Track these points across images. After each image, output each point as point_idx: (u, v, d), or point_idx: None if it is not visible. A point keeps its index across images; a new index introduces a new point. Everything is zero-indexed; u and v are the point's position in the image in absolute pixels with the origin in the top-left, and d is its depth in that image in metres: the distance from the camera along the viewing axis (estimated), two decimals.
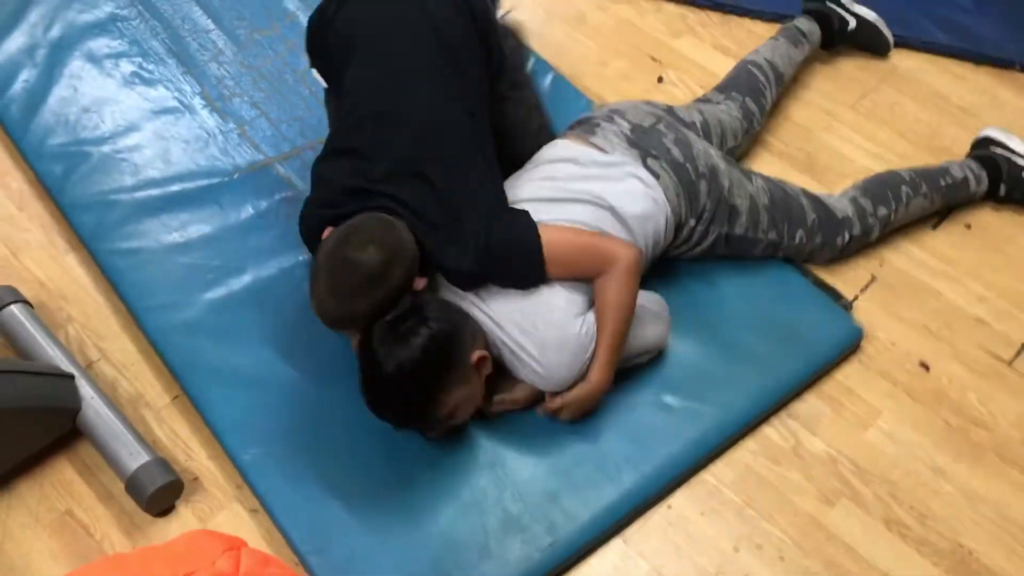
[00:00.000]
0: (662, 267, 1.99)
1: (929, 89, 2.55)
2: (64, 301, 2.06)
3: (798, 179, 2.30)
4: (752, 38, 2.64)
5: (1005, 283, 2.15)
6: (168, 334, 1.95)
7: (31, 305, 1.99)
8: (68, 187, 2.18)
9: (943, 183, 2.20)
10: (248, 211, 2.14)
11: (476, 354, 1.69)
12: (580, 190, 1.83)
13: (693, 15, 2.72)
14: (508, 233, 1.70)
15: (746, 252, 2.04)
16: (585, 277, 1.76)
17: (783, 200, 2.04)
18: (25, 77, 2.39)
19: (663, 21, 2.70)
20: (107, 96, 2.36)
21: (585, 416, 1.82)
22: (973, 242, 2.23)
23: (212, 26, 2.53)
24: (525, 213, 1.74)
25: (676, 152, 1.93)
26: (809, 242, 2.06)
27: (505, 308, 1.74)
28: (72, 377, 1.84)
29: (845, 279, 2.13)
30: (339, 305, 1.64)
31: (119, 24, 2.53)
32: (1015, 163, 2.25)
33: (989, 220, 2.27)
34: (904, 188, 2.14)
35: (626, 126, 1.96)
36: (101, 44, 2.48)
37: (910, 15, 2.70)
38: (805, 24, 2.49)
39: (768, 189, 2.03)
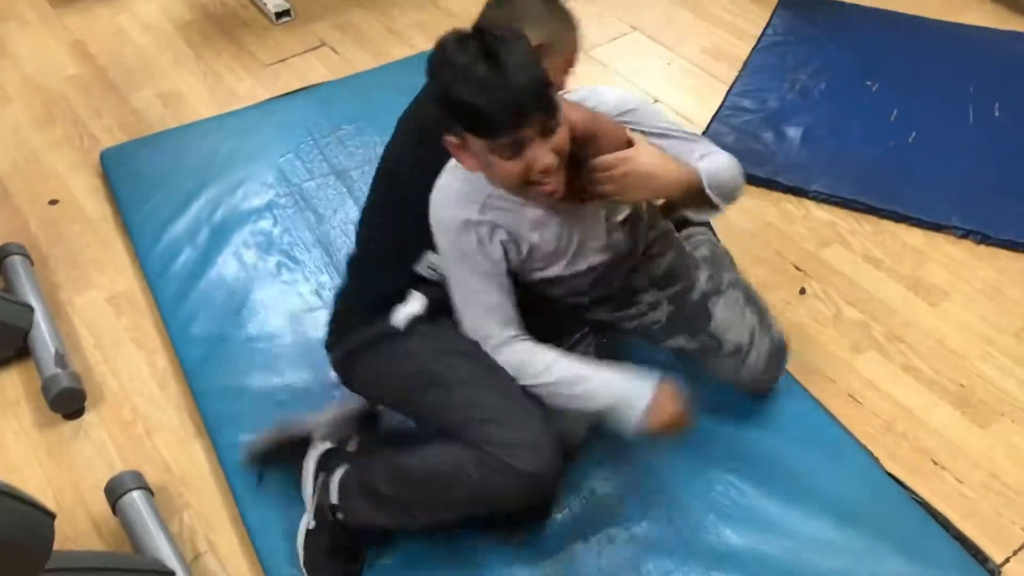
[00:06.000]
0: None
1: None
2: (184, 487, 2.12)
3: (948, 413, 2.12)
4: (906, 251, 2.51)
5: None
6: (267, 536, 1.96)
7: (151, 492, 2.06)
8: (203, 372, 2.27)
9: None
10: None
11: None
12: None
13: (843, 223, 2.61)
14: None
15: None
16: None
17: None
18: (184, 258, 2.54)
19: (811, 228, 2.61)
20: (251, 283, 2.47)
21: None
22: None
23: None
24: None
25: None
26: None
27: None
28: (173, 574, 1.88)
29: (993, 536, 1.92)
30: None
31: (275, 211, 2.67)
32: None
33: None
34: None
35: None
36: (256, 229, 2.62)
37: None
38: None
39: None
